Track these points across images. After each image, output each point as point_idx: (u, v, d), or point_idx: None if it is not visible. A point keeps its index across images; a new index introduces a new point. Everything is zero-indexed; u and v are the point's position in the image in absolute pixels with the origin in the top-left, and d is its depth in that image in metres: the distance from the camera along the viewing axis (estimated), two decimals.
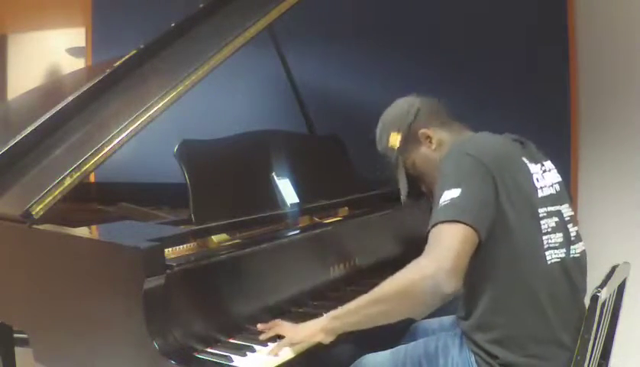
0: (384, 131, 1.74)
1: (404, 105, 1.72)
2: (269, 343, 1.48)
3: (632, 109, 2.65)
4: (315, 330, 1.45)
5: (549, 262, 1.40)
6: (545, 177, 1.50)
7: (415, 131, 1.67)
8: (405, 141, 1.68)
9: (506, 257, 1.38)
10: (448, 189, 1.37)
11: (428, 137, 1.65)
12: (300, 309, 1.73)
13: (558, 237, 1.43)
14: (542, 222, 1.42)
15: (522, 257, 1.39)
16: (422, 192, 1.76)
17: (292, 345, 1.46)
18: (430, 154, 1.66)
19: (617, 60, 2.69)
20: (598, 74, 2.72)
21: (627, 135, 2.66)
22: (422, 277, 1.30)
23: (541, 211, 1.43)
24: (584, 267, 1.50)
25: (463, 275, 1.31)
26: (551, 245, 1.41)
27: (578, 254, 1.48)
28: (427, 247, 1.34)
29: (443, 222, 1.33)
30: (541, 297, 1.38)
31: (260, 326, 1.54)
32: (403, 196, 1.71)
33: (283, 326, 1.52)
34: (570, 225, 1.49)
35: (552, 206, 1.46)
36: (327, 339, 1.46)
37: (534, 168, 1.49)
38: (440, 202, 1.37)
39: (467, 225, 1.32)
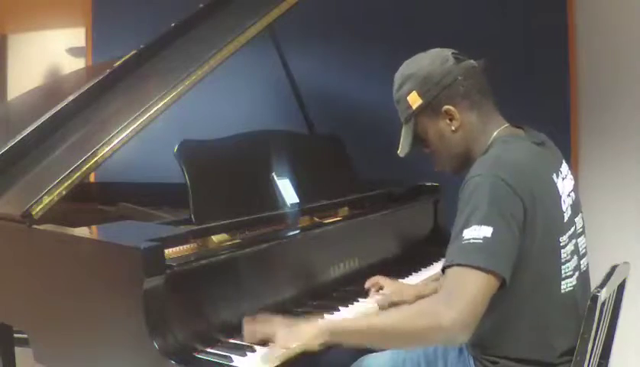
0: (407, 82, 1.49)
1: (440, 66, 1.45)
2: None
3: (632, 110, 2.66)
4: (308, 339, 1.37)
5: (562, 292, 1.35)
6: (565, 185, 1.42)
7: (439, 102, 1.45)
8: (424, 107, 1.46)
9: (520, 287, 1.30)
10: (479, 224, 1.24)
11: (451, 116, 1.45)
12: (300, 309, 1.73)
13: (574, 261, 1.38)
14: (563, 251, 1.35)
15: (537, 288, 1.33)
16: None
17: (285, 349, 1.40)
18: (447, 132, 1.46)
19: (617, 61, 2.69)
20: (598, 75, 2.72)
21: (627, 136, 2.67)
22: (438, 328, 1.21)
23: (563, 239, 1.35)
24: (588, 284, 1.45)
25: None
26: (567, 274, 1.36)
27: (585, 268, 1.44)
28: (449, 290, 1.24)
29: (471, 266, 1.22)
30: (549, 326, 1.34)
31: (247, 329, 1.44)
32: (401, 153, 1.53)
33: (274, 325, 1.42)
34: (580, 239, 1.43)
35: (571, 224, 1.39)
36: (320, 348, 1.38)
37: (560, 186, 1.40)
38: (467, 235, 1.24)
39: (496, 273, 1.22)
